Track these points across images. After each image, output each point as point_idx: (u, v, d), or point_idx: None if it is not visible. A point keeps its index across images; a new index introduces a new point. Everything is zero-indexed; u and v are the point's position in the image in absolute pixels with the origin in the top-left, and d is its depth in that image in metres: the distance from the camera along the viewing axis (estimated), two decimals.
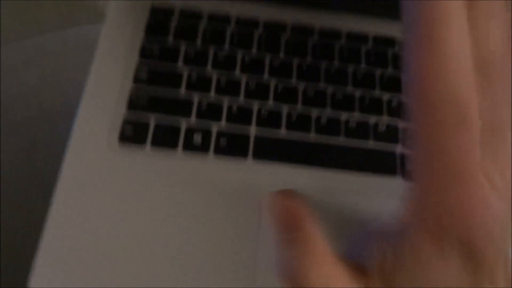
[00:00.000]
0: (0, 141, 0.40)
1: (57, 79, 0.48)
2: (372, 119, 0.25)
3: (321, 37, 0.27)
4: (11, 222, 0.35)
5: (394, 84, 0.26)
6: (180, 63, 0.25)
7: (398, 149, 0.24)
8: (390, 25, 0.27)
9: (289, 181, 0.23)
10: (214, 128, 0.24)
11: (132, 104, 0.24)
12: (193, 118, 0.24)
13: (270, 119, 0.24)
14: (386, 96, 0.25)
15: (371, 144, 0.24)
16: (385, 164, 0.24)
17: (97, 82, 0.24)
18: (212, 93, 0.24)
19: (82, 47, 0.53)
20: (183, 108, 0.24)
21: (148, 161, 0.22)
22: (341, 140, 0.24)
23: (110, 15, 0.26)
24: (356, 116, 0.25)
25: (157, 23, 0.26)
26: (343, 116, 0.25)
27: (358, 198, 0.23)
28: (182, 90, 0.24)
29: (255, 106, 0.24)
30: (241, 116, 0.24)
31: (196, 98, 0.24)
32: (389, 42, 0.27)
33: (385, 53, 0.27)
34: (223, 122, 0.24)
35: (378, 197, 0.23)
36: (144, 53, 0.25)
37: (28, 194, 0.36)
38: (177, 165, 0.23)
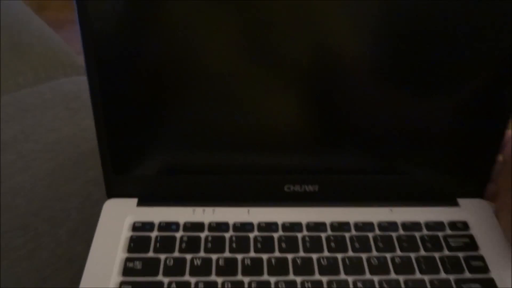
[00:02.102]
0: None
1: (37, 130, 0.51)
2: None
3: (284, 231, 0.30)
4: None
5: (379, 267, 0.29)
6: (160, 275, 0.28)
7: None
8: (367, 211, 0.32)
9: None
10: None
11: None
12: None
13: None
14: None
15: None
16: None
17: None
18: None
19: (59, 100, 0.57)
20: None
21: None
22: None
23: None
24: None
25: (137, 239, 0.29)
26: None
27: None
28: None
29: None
30: None
31: None
32: (368, 226, 0.31)
33: (367, 238, 0.30)
34: None
35: None
36: (127, 272, 0.28)
37: None
38: None
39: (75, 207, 0.41)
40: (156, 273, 0.28)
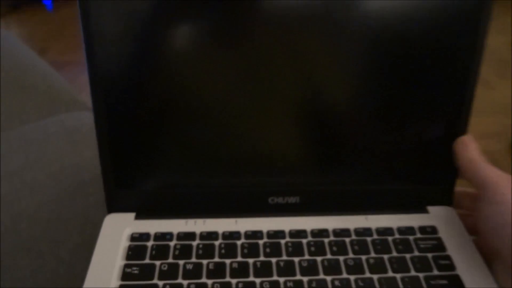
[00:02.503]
0: None
1: (41, 161, 0.53)
2: None
3: (268, 238, 0.33)
4: None
5: (355, 267, 0.31)
6: (155, 279, 0.30)
7: None
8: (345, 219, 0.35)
9: None
10: None
11: None
12: None
13: None
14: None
15: None
16: None
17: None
18: None
19: (61, 133, 0.60)
20: None
21: None
22: None
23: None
24: None
25: (135, 248, 0.32)
26: None
27: None
28: None
29: None
30: None
31: None
32: (345, 233, 0.34)
33: (344, 242, 0.33)
34: None
35: None
36: (125, 277, 0.30)
37: None
38: None
39: (76, 229, 0.44)
40: (152, 277, 0.30)
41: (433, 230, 0.35)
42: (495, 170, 0.31)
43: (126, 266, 0.31)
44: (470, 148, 0.33)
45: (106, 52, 0.31)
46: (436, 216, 0.36)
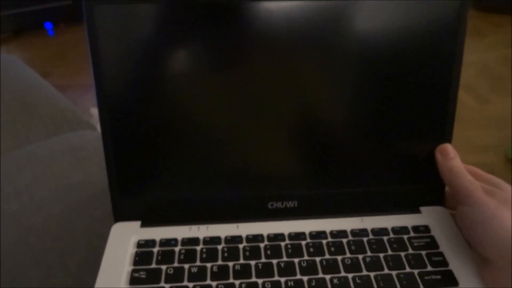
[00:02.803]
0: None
1: (47, 178, 0.55)
2: None
3: (268, 241, 0.35)
4: None
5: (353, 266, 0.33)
6: (162, 282, 0.32)
7: None
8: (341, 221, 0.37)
9: None
10: None
11: None
12: None
13: None
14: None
15: None
16: None
17: None
18: None
19: (67, 151, 0.61)
20: None
21: None
22: None
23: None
24: None
25: (141, 254, 0.34)
26: None
27: None
28: None
29: None
30: None
31: None
32: (342, 234, 0.36)
33: (341, 243, 0.35)
34: None
35: None
36: (133, 281, 0.32)
37: None
38: None
39: (83, 242, 0.45)
40: (158, 281, 0.32)
41: (426, 229, 0.36)
42: (470, 179, 0.34)
43: (133, 271, 0.33)
44: (449, 157, 0.36)
45: (112, 74, 0.33)
46: (428, 215, 0.37)
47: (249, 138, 0.36)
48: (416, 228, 0.36)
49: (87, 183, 0.55)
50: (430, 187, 0.38)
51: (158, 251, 0.34)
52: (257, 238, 0.35)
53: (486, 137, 1.39)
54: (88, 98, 1.85)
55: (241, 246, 0.35)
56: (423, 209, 0.38)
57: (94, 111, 1.64)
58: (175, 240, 0.35)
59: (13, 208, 0.51)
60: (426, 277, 0.32)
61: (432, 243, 0.35)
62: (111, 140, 0.35)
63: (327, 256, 0.34)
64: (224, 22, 0.33)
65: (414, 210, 0.38)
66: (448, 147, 0.36)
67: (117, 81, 0.34)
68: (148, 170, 0.36)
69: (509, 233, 0.29)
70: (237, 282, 0.32)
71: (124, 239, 0.35)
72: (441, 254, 0.34)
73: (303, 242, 0.35)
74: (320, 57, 0.34)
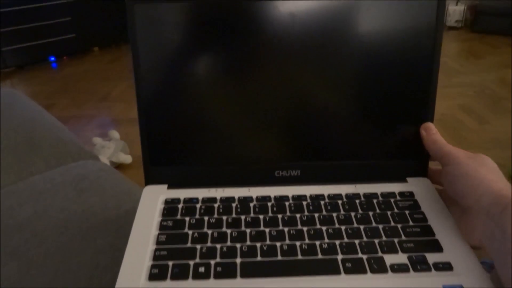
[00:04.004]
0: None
1: (49, 211, 0.56)
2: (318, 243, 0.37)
3: (275, 200, 0.41)
4: None
5: (345, 220, 0.39)
6: (186, 229, 0.38)
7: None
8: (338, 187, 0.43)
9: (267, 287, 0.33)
10: (212, 262, 0.35)
11: (156, 256, 0.36)
12: (197, 259, 0.35)
13: (249, 252, 0.36)
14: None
15: (320, 257, 0.35)
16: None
17: (133, 244, 0.37)
18: (209, 242, 0.37)
19: (68, 182, 0.62)
20: (189, 253, 0.36)
21: None
22: (298, 258, 0.35)
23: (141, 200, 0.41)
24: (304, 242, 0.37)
25: (168, 208, 0.41)
26: (297, 243, 0.37)
27: None
28: (188, 243, 0.37)
29: (238, 245, 0.36)
30: (230, 253, 0.36)
31: (198, 246, 0.36)
32: (338, 196, 0.42)
33: (337, 203, 0.41)
34: (218, 258, 0.35)
35: None
36: (162, 227, 0.39)
37: None
38: None
39: (85, 277, 0.46)
40: (183, 228, 0.39)
41: (410, 194, 0.42)
42: (452, 146, 0.40)
43: (162, 220, 0.39)
44: (432, 132, 0.42)
45: (148, 64, 0.41)
46: (413, 184, 0.44)
47: (260, 118, 0.43)
48: (402, 194, 0.42)
49: (88, 213, 0.56)
50: (416, 161, 0.44)
51: (182, 206, 0.41)
52: (266, 198, 0.42)
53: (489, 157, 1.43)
54: (90, 128, 1.90)
55: (251, 204, 0.41)
56: (409, 179, 0.44)
57: (97, 140, 1.65)
58: (196, 199, 0.42)
59: (15, 243, 0.51)
60: (407, 229, 0.38)
61: (415, 205, 0.41)
62: (145, 119, 0.42)
63: (324, 213, 0.40)
64: (242, 22, 0.40)
65: (402, 180, 0.44)
66: (431, 125, 0.43)
67: (152, 70, 0.41)
68: (174, 144, 0.43)
69: (484, 183, 0.35)
70: (248, 230, 0.38)
71: (154, 198, 0.42)
72: (422, 213, 0.40)
73: (304, 202, 0.41)
74: (320, 50, 0.41)
